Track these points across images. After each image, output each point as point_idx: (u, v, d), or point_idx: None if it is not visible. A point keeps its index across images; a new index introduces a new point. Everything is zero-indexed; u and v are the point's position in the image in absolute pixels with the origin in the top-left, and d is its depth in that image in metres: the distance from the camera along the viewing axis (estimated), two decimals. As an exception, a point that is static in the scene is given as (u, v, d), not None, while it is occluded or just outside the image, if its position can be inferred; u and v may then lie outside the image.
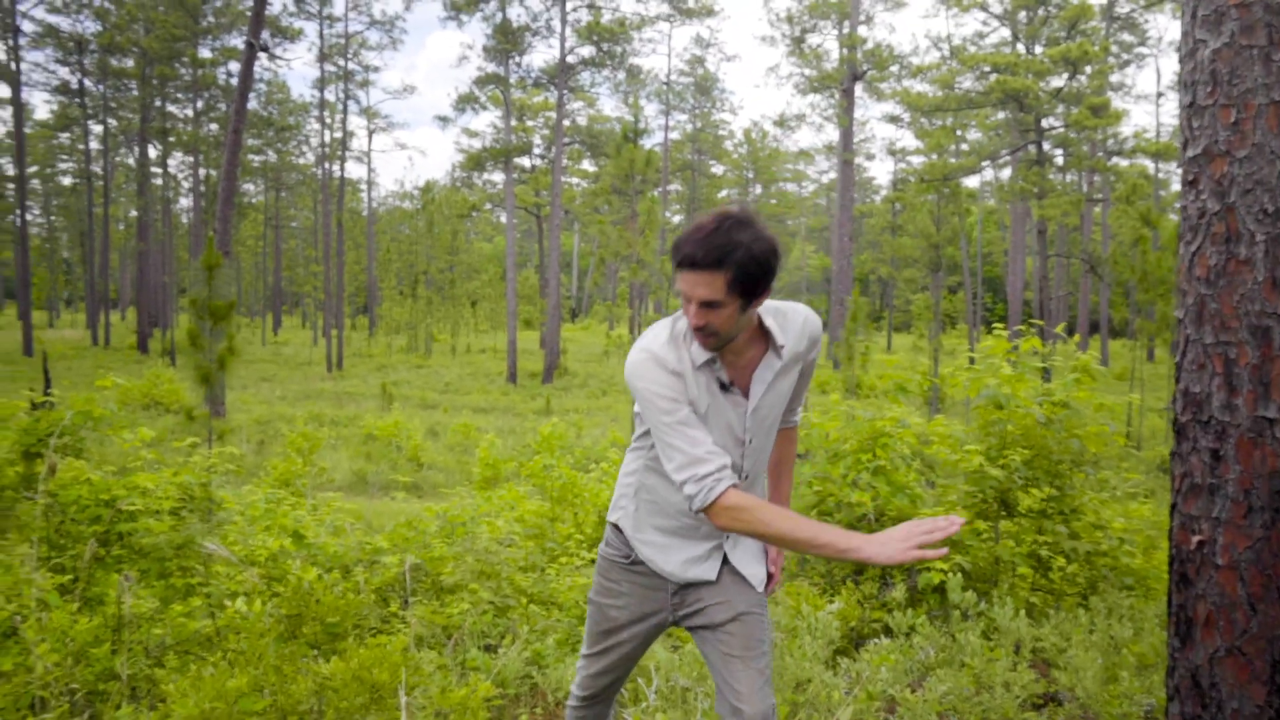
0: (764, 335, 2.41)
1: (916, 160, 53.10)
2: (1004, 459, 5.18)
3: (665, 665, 4.15)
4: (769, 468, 2.71)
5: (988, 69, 32.57)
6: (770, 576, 2.64)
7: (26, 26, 43.13)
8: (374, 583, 4.55)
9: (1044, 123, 32.40)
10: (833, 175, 65.07)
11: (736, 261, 2.14)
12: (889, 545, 2.13)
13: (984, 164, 39.99)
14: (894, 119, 50.55)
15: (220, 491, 5.91)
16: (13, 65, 40.92)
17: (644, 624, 2.66)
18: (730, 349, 2.37)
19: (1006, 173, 48.09)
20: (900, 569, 5.06)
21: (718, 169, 65.38)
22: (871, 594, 4.97)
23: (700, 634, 2.58)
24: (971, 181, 54.11)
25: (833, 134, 51.32)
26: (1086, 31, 31.95)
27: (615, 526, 2.69)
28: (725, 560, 2.57)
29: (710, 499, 2.25)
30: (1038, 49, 34.22)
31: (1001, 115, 39.40)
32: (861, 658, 4.11)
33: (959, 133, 41.61)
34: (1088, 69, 31.01)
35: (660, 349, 2.34)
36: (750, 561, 2.56)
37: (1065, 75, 31.20)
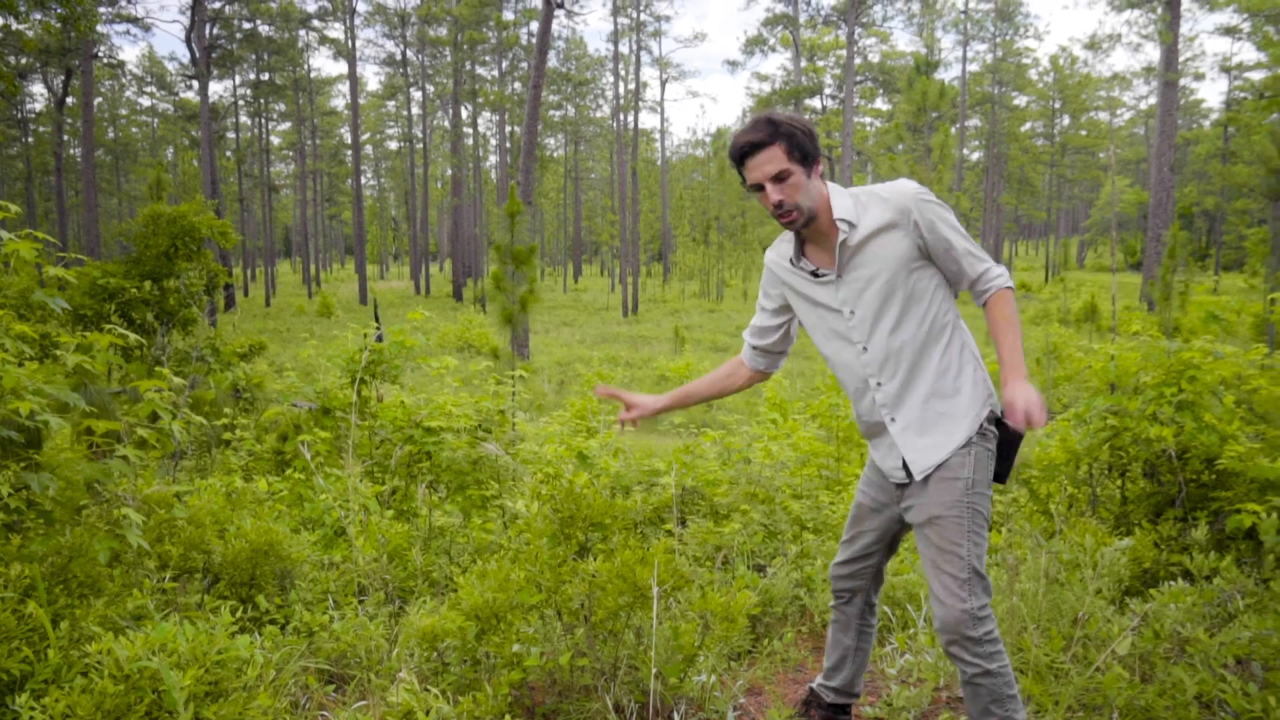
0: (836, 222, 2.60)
1: (1257, 76, 47.17)
2: (1338, 394, 4.59)
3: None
4: (991, 331, 2.59)
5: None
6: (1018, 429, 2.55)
7: (360, 7, 47.52)
8: (651, 502, 4.76)
9: None
10: (1151, 100, 59.15)
11: (785, 132, 2.47)
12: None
13: (1344, 74, 34.86)
14: (1230, 30, 45.03)
15: (519, 421, 6.38)
16: (350, 43, 45.21)
17: (881, 515, 2.84)
18: (814, 238, 2.65)
19: (1374, 83, 41.66)
20: (1206, 510, 4.64)
21: (1020, 100, 61.23)
22: (1171, 535, 4.59)
23: (914, 533, 2.70)
24: (1327, 96, 47.26)
25: (1152, 54, 46.58)
26: None
27: None
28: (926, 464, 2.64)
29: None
30: None
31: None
32: (1151, 598, 3.84)
33: (1313, 40, 36.40)
34: None
35: (769, 251, 2.83)
36: (918, 448, 2.62)
37: None
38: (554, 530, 3.05)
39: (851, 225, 2.55)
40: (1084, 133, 62.72)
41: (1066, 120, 62.23)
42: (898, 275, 2.55)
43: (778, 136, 2.47)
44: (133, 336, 3.10)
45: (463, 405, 5.44)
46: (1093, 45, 48.01)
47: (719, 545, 4.40)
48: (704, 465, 5.47)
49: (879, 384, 2.64)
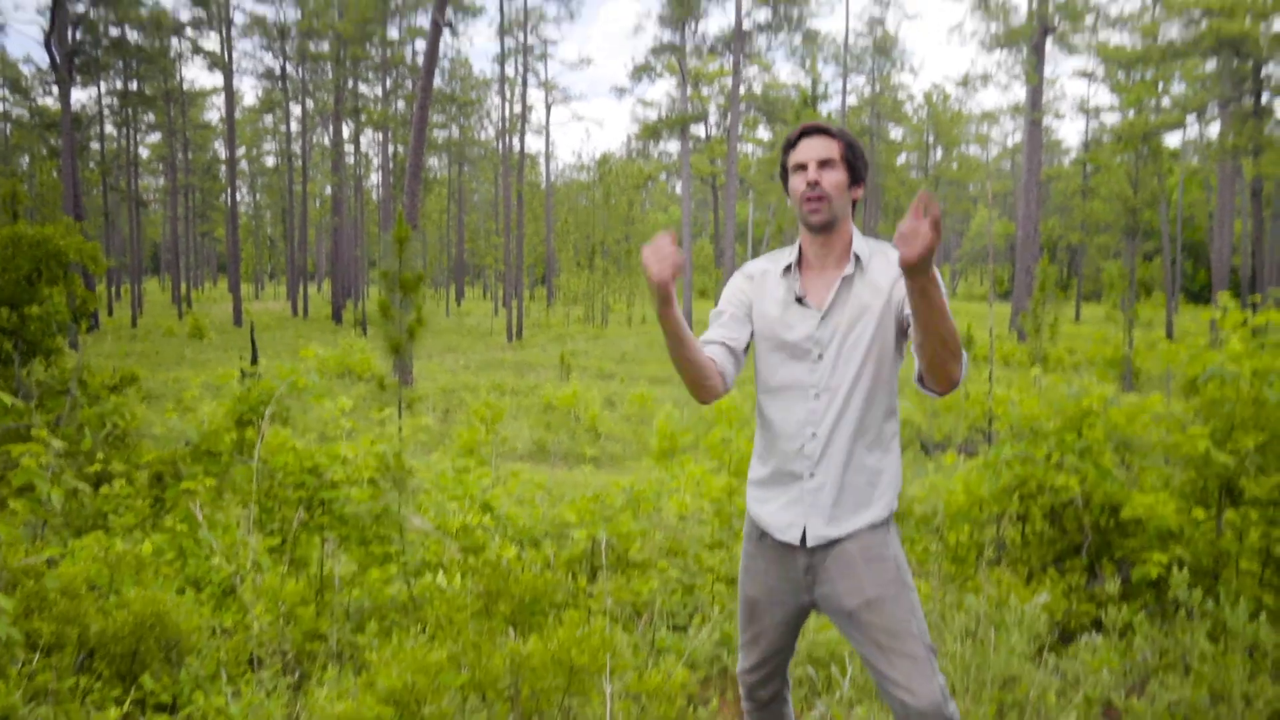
0: (849, 254, 2.53)
1: (1111, 118, 49.86)
2: (1233, 443, 4.74)
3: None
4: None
5: (1198, 14, 30.12)
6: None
7: (237, 18, 46.06)
8: (563, 556, 4.58)
9: (1263, 71, 29.79)
10: (1019, 137, 61.92)
11: (849, 139, 2.51)
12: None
13: (1189, 119, 37.24)
14: (1087, 74, 47.59)
15: (411, 460, 6.11)
16: (226, 55, 43.70)
17: (783, 607, 2.60)
18: (813, 264, 2.55)
19: (1214, 128, 44.57)
20: (1111, 560, 4.72)
21: (897, 133, 63.30)
22: (1078, 584, 4.65)
23: (840, 622, 2.52)
24: (1173, 139, 50.54)
25: (1019, 93, 48.76)
26: (1316, -31, 28.97)
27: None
28: (838, 540, 2.48)
29: None
30: (1257, -10, 31.42)
31: (1211, 65, 36.41)
32: (1069, 653, 3.85)
33: (1160, 86, 38.73)
34: (1316, 11, 28.28)
35: (754, 262, 2.68)
36: (823, 515, 2.47)
37: (1289, 19, 28.53)
38: (478, 606, 2.86)
39: (860, 262, 2.50)
40: (955, 166, 65.23)
41: (940, 153, 64.64)
42: (880, 333, 2.46)
43: (842, 138, 2.51)
44: (4, 396, 2.78)
45: (360, 453, 5.15)
46: (964, 83, 50.09)
47: (634, 603, 4.25)
48: (610, 510, 5.32)
49: (814, 434, 2.48)
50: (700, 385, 2.46)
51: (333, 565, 4.87)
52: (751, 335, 2.61)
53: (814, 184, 2.46)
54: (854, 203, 2.54)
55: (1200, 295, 56.82)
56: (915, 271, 2.03)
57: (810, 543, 2.47)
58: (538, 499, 5.49)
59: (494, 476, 6.84)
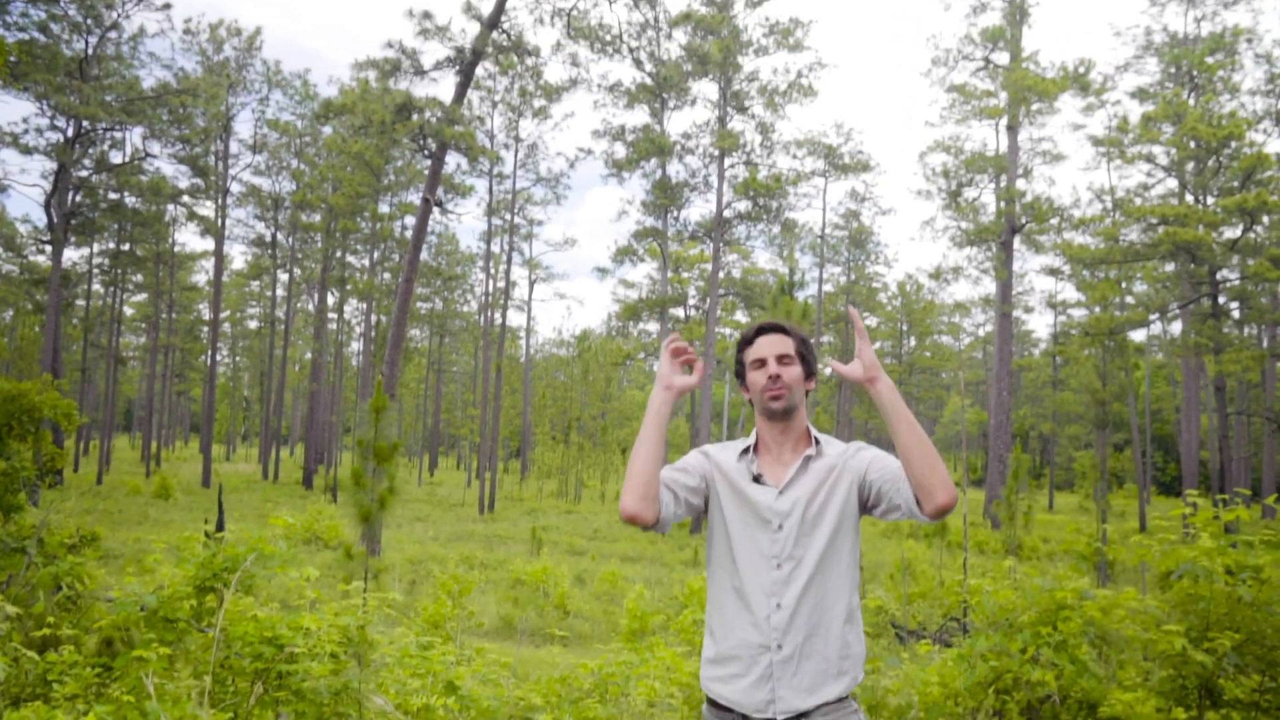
0: (806, 440, 2.70)
1: (1078, 313, 51.50)
2: (1209, 642, 4.69)
3: None
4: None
5: (1155, 221, 31.58)
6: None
7: (234, 188, 47.39)
8: (526, 741, 4.42)
9: (1219, 275, 31.02)
10: (990, 328, 63.62)
11: (801, 336, 2.72)
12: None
13: (1152, 317, 38.45)
14: (1054, 271, 49.37)
15: (375, 634, 5.94)
16: (219, 221, 44.78)
17: None
18: (771, 449, 2.69)
19: (1176, 326, 46.04)
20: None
21: (871, 321, 64.92)
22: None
23: None
24: (1138, 335, 52.05)
25: (990, 286, 50.41)
26: (1264, 180, 30.65)
27: (707, 698, 2.70)
28: (808, 712, 2.49)
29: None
30: (1209, 199, 33.09)
31: (1170, 267, 37.94)
32: None
33: (1123, 285, 40.19)
34: (1266, 219, 29.72)
35: (709, 446, 2.79)
36: (792, 686, 2.49)
37: (1241, 226, 29.94)
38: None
39: (819, 444, 2.66)
40: (929, 354, 66.61)
41: (914, 341, 66.13)
42: (844, 507, 2.57)
43: (795, 335, 2.71)
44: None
45: (324, 625, 5.02)
46: (936, 275, 51.62)
47: (600, 793, 4.08)
48: (577, 694, 5.16)
49: (778, 605, 2.51)
50: (644, 491, 2.52)
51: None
52: (695, 506, 2.69)
53: (775, 378, 2.65)
54: (806, 393, 2.74)
55: (1171, 487, 57.28)
56: (869, 379, 2.50)
57: (782, 715, 2.48)
58: (503, 679, 5.32)
59: (459, 654, 6.65)
